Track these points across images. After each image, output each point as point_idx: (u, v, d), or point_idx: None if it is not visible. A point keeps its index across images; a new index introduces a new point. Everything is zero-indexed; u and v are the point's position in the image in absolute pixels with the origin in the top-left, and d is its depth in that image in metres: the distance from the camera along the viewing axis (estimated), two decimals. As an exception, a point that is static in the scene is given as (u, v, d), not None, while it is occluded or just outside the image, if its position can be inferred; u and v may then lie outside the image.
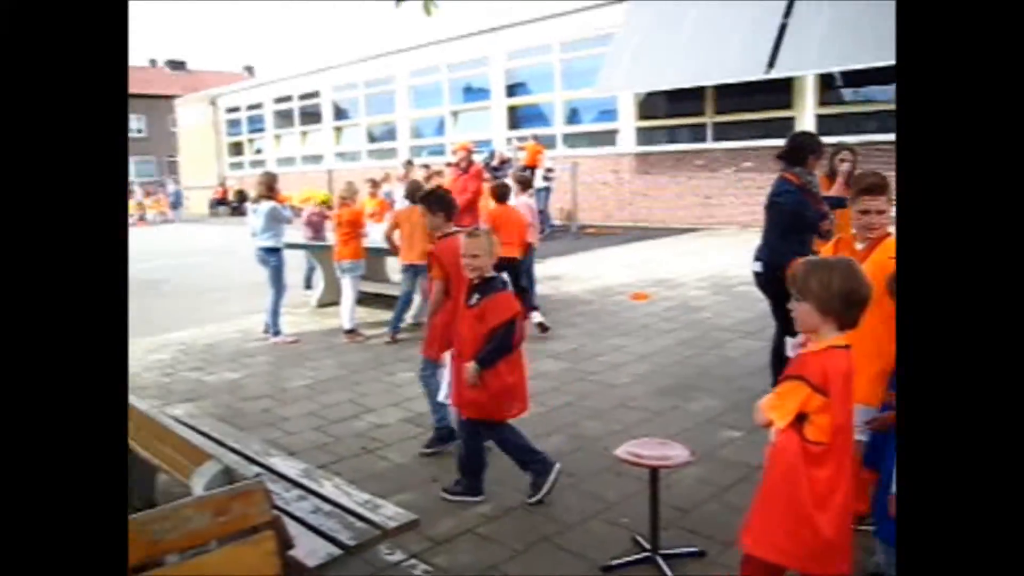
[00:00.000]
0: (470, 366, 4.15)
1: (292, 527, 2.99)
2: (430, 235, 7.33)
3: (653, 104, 18.34)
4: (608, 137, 19.24)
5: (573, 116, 20.36)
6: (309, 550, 3.07)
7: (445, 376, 4.88)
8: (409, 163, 15.59)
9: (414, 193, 8.43)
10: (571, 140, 20.06)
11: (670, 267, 12.13)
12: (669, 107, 18.09)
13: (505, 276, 4.37)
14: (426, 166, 14.93)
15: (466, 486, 4.37)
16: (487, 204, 11.86)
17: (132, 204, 31.93)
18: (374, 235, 8.91)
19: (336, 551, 3.12)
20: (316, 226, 10.35)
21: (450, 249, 4.73)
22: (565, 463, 4.78)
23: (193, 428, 3.91)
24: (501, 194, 8.33)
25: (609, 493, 4.35)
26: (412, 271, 7.98)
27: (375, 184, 13.24)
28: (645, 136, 18.62)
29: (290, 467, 3.94)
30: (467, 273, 4.31)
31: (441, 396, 4.98)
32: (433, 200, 5.28)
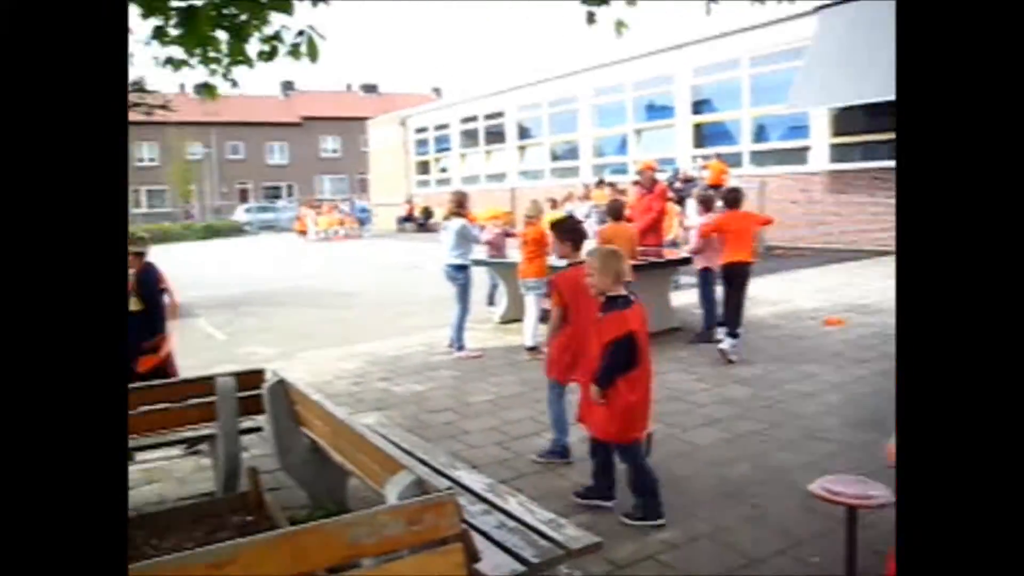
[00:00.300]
0: (593, 387, 4.26)
1: (478, 541, 3.03)
2: (634, 253, 7.43)
3: (848, 119, 17.47)
4: (799, 155, 18.51)
5: (761, 133, 19.75)
6: (494, 565, 3.10)
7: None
8: (601, 182, 15.62)
9: (616, 211, 8.43)
10: (758, 158, 19.46)
11: (866, 292, 11.47)
12: (866, 122, 17.15)
13: (630, 295, 4.38)
14: (612, 185, 14.92)
15: (645, 508, 4.30)
16: (671, 223, 11.70)
17: (333, 219, 33.92)
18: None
19: (519, 568, 3.14)
20: (497, 244, 10.56)
21: (571, 279, 4.89)
22: (751, 493, 4.61)
23: (384, 437, 4.05)
24: (732, 200, 8.18)
25: (799, 529, 4.13)
26: None
27: (555, 203, 13.38)
28: (839, 153, 17.75)
29: (475, 481, 4.01)
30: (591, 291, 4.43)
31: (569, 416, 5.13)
32: (562, 229, 5.44)
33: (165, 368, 6.16)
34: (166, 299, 6.41)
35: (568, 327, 4.99)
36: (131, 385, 5.69)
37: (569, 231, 5.35)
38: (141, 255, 6.15)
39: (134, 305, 5.95)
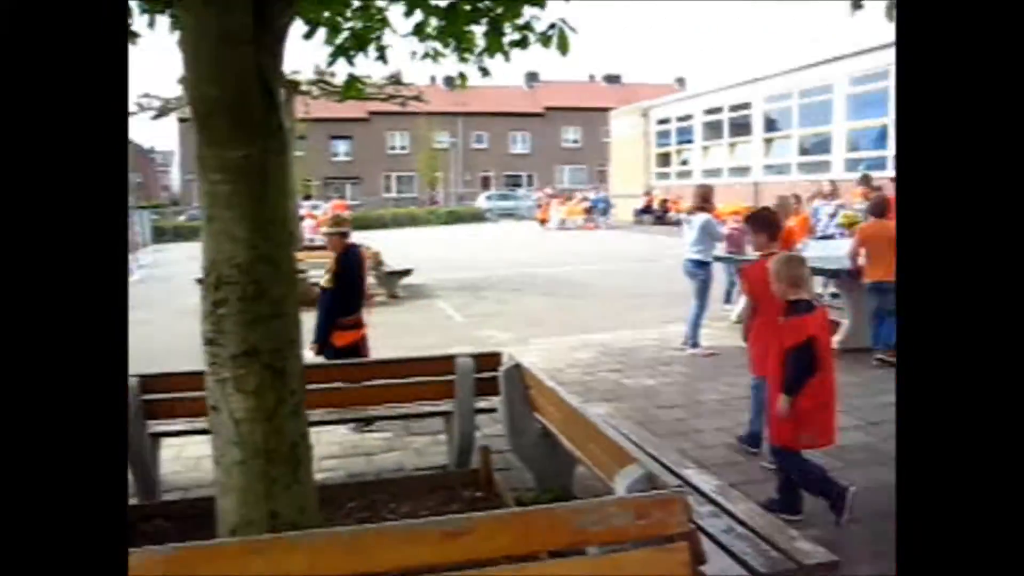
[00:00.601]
0: (781, 397, 4.24)
1: (704, 543, 2.96)
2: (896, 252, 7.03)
3: None
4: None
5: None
6: (720, 568, 3.02)
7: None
8: (865, 178, 14.67)
9: (879, 208, 7.95)
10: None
11: None
12: None
13: (814, 300, 4.41)
14: (867, 182, 13.97)
15: (832, 503, 4.25)
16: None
17: (575, 209, 34.43)
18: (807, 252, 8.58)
19: (746, 575, 3.03)
20: (737, 240, 10.23)
21: (760, 270, 4.87)
22: None
23: (615, 429, 4.05)
24: None
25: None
26: (877, 290, 7.52)
27: (798, 200, 12.69)
28: None
29: (704, 481, 3.91)
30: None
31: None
32: (756, 220, 5.52)
33: (361, 345, 6.52)
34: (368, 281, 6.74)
35: (758, 318, 5.02)
36: (376, 359, 6.12)
37: (764, 223, 5.43)
38: (344, 235, 6.55)
39: (329, 283, 6.34)
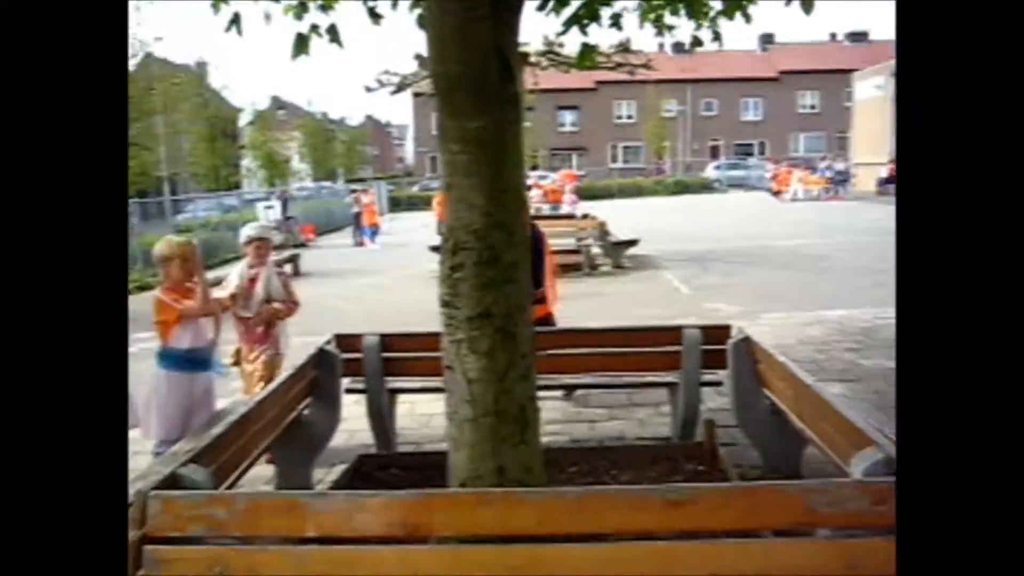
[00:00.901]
0: None
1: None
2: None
3: None
4: None
5: None
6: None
7: None
8: None
9: None
10: None
11: None
12: None
13: None
14: None
15: None
16: None
17: (813, 179, 32.79)
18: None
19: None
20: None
21: None
22: None
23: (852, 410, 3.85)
24: None
25: None
26: None
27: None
28: None
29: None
30: None
31: None
32: None
33: (551, 318, 6.54)
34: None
35: None
36: (603, 327, 6.18)
37: None
38: None
39: None
